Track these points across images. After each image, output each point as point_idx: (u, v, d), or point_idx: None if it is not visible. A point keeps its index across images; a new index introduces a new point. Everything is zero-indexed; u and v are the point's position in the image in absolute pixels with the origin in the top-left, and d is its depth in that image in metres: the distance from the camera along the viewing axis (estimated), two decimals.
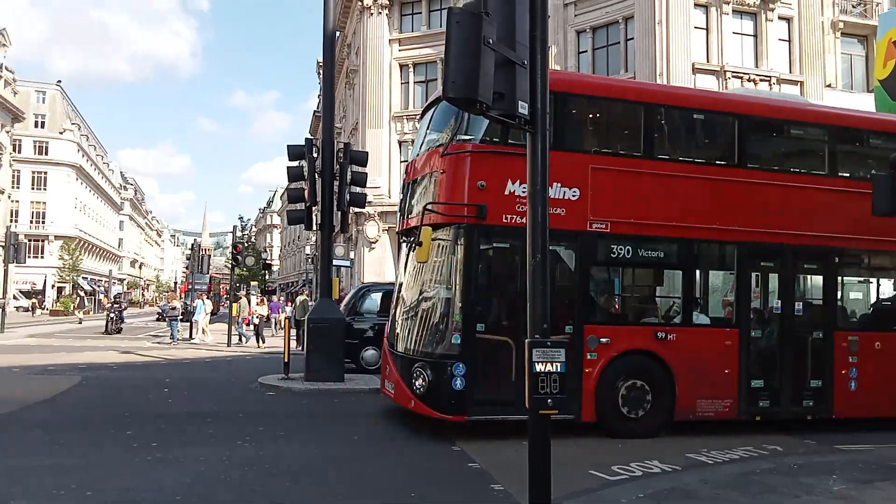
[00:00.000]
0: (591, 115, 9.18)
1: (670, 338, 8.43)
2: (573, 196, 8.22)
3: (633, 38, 24.71)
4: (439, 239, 8.29)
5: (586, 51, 26.36)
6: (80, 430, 8.04)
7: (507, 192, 8.02)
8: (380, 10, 32.50)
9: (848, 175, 9.65)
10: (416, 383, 7.94)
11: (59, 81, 72.67)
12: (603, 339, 8.17)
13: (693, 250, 8.90)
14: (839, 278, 9.39)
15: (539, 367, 4.35)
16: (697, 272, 9.08)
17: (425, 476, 6.51)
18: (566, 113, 8.56)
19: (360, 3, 33.58)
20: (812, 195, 9.16)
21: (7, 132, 53.99)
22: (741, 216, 8.81)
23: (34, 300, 54.74)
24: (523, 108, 4.78)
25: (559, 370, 4.35)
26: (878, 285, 10.18)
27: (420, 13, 32.52)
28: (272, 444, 7.51)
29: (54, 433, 7.78)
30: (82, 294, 57.09)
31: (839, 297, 9.38)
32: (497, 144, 8.16)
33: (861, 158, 10.15)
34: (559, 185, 8.06)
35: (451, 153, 8.24)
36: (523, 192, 7.66)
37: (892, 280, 10.17)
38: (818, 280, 9.37)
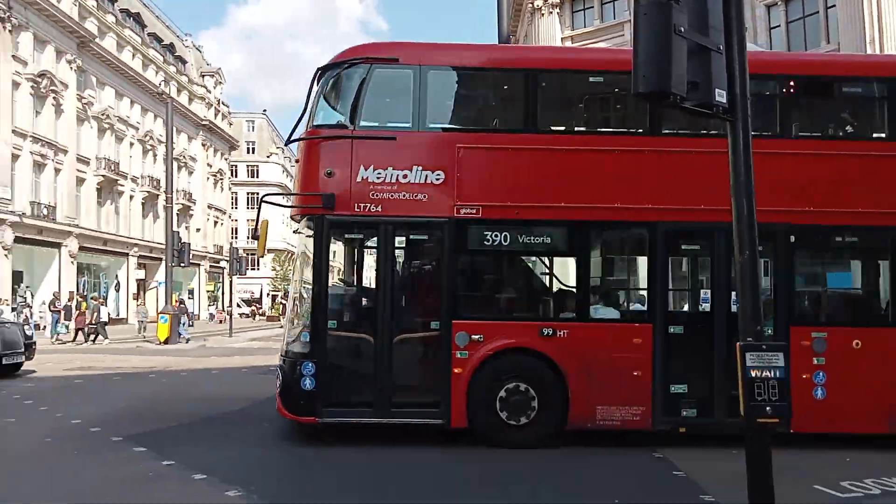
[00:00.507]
0: (454, 89, 8.16)
1: (560, 335, 7.29)
2: (437, 180, 7.43)
3: (834, 6, 22.18)
4: (299, 232, 7.86)
5: (778, 25, 24.14)
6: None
7: (359, 180, 7.41)
8: (550, 10, 32.33)
9: (807, 134, 7.81)
10: (277, 383, 7.64)
11: (265, 111, 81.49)
12: (475, 336, 7.27)
13: (589, 234, 7.68)
14: (796, 262, 7.58)
15: (754, 373, 4.03)
16: (596, 259, 7.90)
17: (629, 482, 6.33)
18: (424, 89, 7.57)
19: (530, 6, 33.65)
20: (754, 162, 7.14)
21: (225, 159, 61.47)
22: (653, 192, 7.40)
23: (253, 307, 61.68)
24: (720, 97, 4.52)
25: (777, 376, 4.00)
26: (859, 269, 8.15)
27: (592, 7, 31.84)
28: (469, 444, 7.69)
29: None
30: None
31: (797, 284, 7.61)
32: (347, 129, 7.58)
33: (822, 111, 8.12)
34: (420, 168, 7.41)
35: (302, 139, 7.74)
36: (377, 178, 7.38)
37: (878, 261, 7.81)
38: (767, 265, 7.49)
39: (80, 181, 36.53)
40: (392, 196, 7.44)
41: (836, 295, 8.13)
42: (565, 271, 7.79)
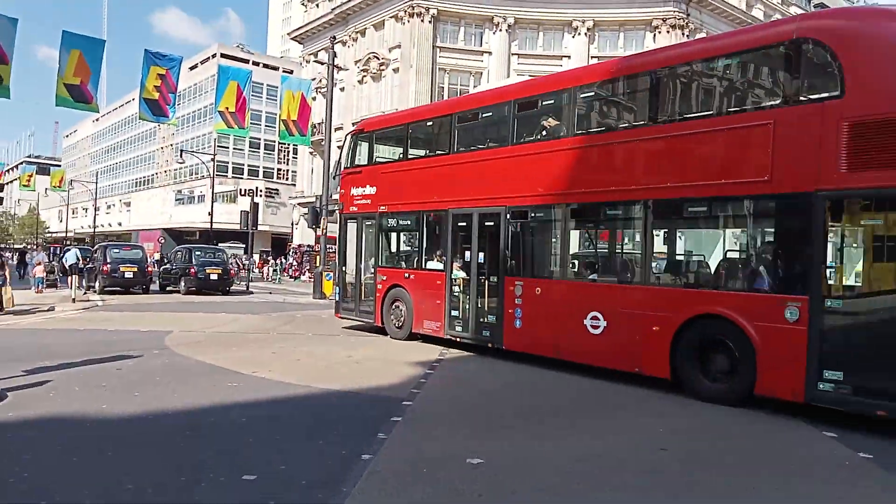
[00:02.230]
0: (378, 142, 13.91)
1: (411, 277, 12.47)
2: (374, 192, 13.31)
3: None
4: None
5: None
6: None
7: (350, 195, 13.90)
8: None
9: (521, 140, 10.58)
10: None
11: None
12: (383, 276, 13.06)
13: (423, 218, 12.30)
14: (508, 232, 10.61)
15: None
16: (427, 233, 12.34)
17: None
18: (373, 145, 13.81)
19: None
20: (489, 166, 10.96)
21: None
22: (447, 191, 11.69)
23: None
24: None
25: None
26: (542, 238, 10.72)
27: None
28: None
29: None
30: None
31: (509, 248, 10.61)
32: (349, 168, 14.15)
33: (532, 125, 10.80)
34: (369, 186, 13.43)
35: (336, 176, 14.80)
36: (355, 193, 13.73)
37: (551, 231, 10.43)
38: (496, 233, 10.77)
39: None
40: (360, 202, 13.71)
41: (529, 255, 10.85)
42: (416, 241, 12.73)
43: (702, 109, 8.62)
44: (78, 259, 22.86)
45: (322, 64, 29.85)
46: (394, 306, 12.68)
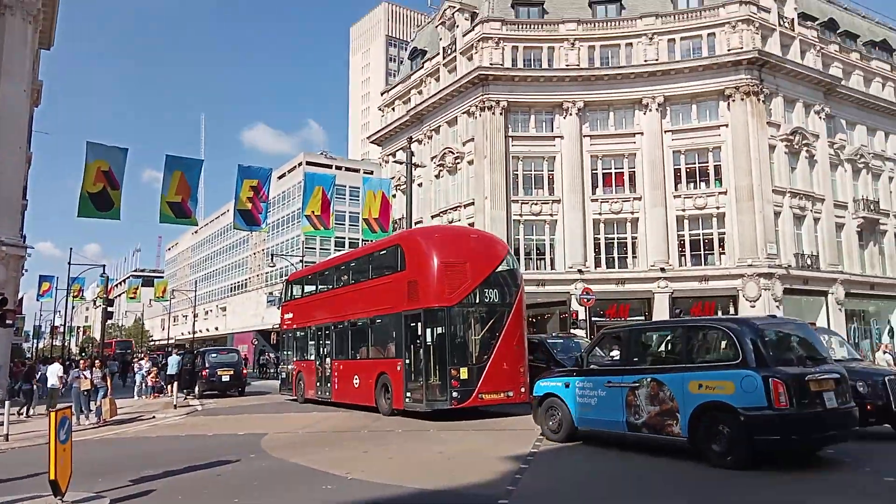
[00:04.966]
0: (294, 285, 24.18)
1: (304, 365, 21.53)
2: (291, 316, 23.10)
3: None
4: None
5: None
6: None
7: (284, 317, 23.86)
8: None
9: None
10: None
11: None
12: (294, 366, 22.29)
13: (307, 331, 21.68)
14: (333, 336, 19.84)
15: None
16: (308, 338, 21.70)
17: None
18: (293, 288, 24.09)
19: None
20: (324, 301, 20.90)
21: None
22: (312, 315, 21.25)
23: None
24: None
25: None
26: (342, 338, 19.46)
27: None
28: None
29: None
30: None
31: (333, 345, 19.71)
32: (284, 302, 24.50)
33: (336, 279, 20.99)
34: (290, 314, 23.28)
35: (281, 307, 25.58)
36: (286, 317, 23.72)
37: (343, 335, 19.31)
38: (328, 337, 20.10)
39: (839, 227, 36.52)
40: (287, 323, 23.46)
41: (338, 348, 19.46)
42: (305, 343, 22.00)
43: (375, 275, 17.79)
44: (179, 366, 24.00)
45: (400, 163, 31.06)
46: (299, 383, 21.60)
